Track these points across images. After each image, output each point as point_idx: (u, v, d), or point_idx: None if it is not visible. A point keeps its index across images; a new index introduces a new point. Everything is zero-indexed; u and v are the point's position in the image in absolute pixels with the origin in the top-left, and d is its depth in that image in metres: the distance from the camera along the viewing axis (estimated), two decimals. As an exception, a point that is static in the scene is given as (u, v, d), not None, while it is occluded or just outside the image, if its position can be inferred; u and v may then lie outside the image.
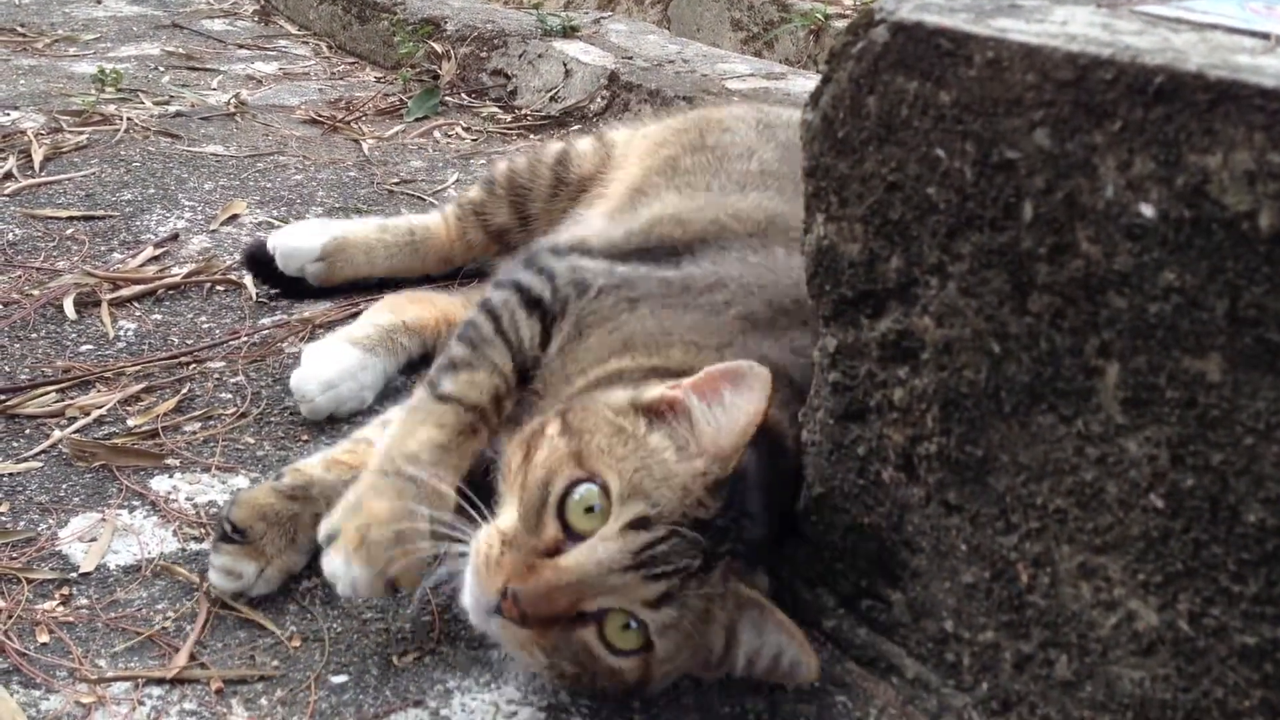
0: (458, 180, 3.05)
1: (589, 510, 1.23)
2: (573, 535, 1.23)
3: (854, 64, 1.23)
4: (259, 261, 2.27)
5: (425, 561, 1.37)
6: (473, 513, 1.32)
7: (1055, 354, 1.12)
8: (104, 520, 1.61)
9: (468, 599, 1.27)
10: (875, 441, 1.33)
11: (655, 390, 1.33)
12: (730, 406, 1.27)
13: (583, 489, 1.24)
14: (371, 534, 1.34)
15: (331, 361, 1.91)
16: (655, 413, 1.31)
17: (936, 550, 1.29)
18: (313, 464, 1.58)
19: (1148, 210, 1.02)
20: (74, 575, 1.51)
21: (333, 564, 1.35)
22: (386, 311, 2.05)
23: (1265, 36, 1.08)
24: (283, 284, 2.29)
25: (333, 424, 1.89)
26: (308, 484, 1.53)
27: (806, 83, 3.45)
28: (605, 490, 1.24)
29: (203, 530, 1.61)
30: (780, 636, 1.28)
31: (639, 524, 1.21)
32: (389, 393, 1.98)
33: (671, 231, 1.75)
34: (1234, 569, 1.04)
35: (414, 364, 2.04)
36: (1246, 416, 1.00)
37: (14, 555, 1.53)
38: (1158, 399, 1.05)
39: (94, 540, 1.57)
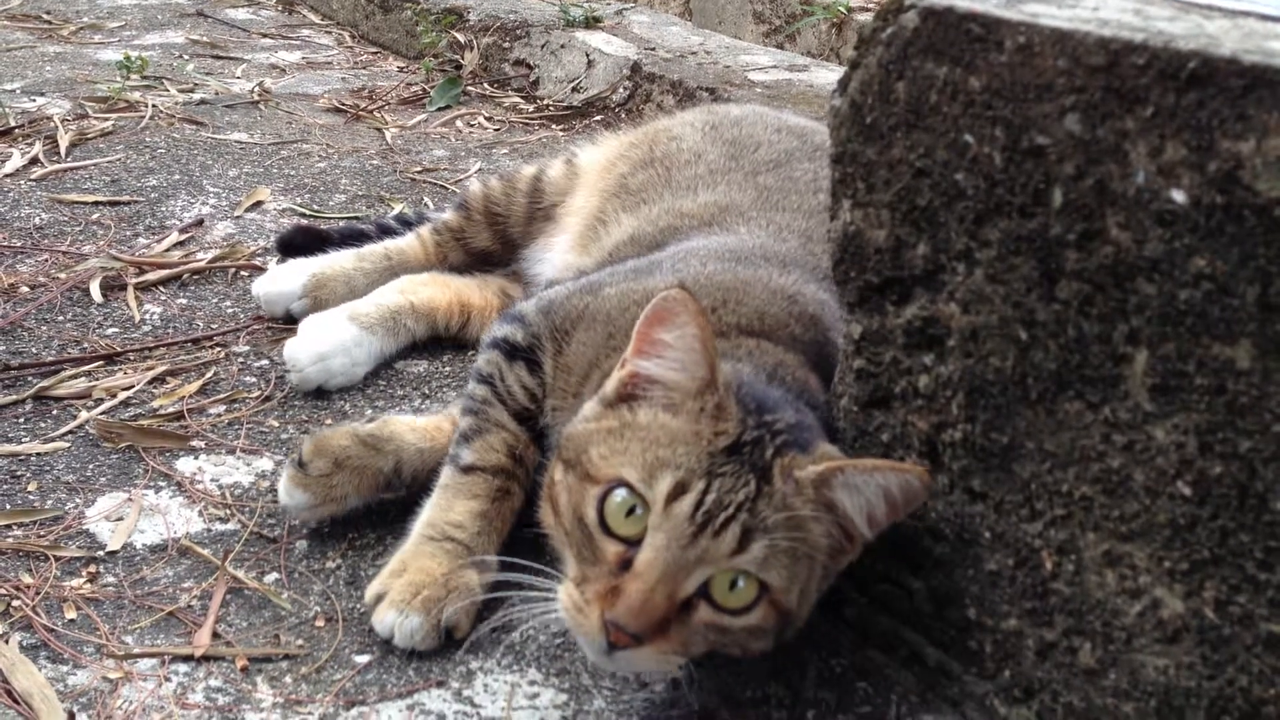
0: (480, 169, 3.06)
1: (630, 513, 1.23)
2: (632, 543, 1.23)
3: (883, 49, 1.23)
4: (291, 247, 2.31)
5: (478, 607, 1.41)
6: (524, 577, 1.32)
7: (1083, 341, 1.12)
8: (130, 500, 1.62)
9: (589, 656, 1.27)
10: (899, 429, 1.33)
11: (611, 381, 1.34)
12: (676, 342, 1.26)
13: (613, 499, 1.24)
14: (424, 591, 1.37)
15: (327, 335, 1.94)
16: (629, 397, 1.32)
17: (960, 538, 1.29)
18: (401, 421, 1.62)
19: (1179, 196, 1.01)
20: (101, 553, 1.52)
21: (385, 619, 1.38)
22: (395, 293, 2.07)
23: (1299, 23, 1.07)
24: None
25: (323, 397, 1.92)
26: (389, 438, 1.58)
27: (829, 75, 3.44)
28: (629, 485, 1.24)
29: (227, 511, 1.62)
30: (875, 476, 1.24)
31: (677, 492, 1.21)
32: (420, 378, 1.99)
33: (631, 251, 1.79)
34: (1261, 556, 1.03)
35: (418, 345, 2.09)
36: (1276, 403, 0.99)
37: (42, 533, 1.55)
38: (1186, 386, 1.05)
39: (120, 519, 1.58)
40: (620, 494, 1.24)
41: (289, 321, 2.12)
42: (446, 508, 1.48)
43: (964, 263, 1.21)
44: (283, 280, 2.14)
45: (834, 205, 1.35)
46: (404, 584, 1.39)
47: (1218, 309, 1.01)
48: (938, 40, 1.18)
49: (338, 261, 2.17)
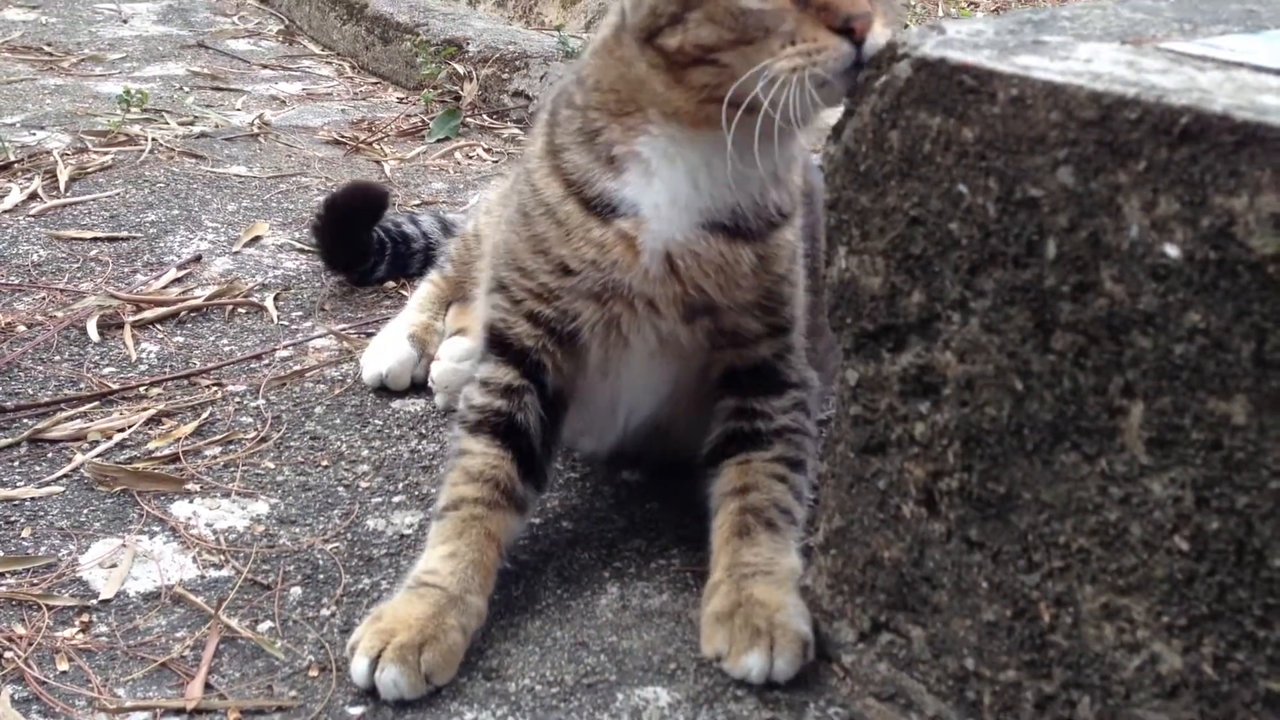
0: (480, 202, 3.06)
1: None
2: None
3: (877, 98, 1.23)
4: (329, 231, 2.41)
5: (458, 655, 1.40)
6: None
7: (1079, 393, 1.11)
8: (124, 546, 1.62)
9: (835, 91, 1.34)
10: (896, 476, 1.32)
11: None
12: None
13: None
14: (398, 637, 1.37)
15: None
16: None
17: (957, 587, 1.28)
18: None
19: (1173, 251, 1.01)
20: (94, 602, 1.51)
21: (357, 666, 1.37)
22: None
23: (1292, 75, 1.07)
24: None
25: (318, 438, 1.90)
26: None
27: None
28: None
29: (222, 557, 1.61)
30: None
31: None
32: (417, 418, 1.98)
33: None
34: (1259, 613, 1.02)
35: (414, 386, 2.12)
36: (1272, 460, 0.99)
37: (35, 581, 1.54)
38: (1182, 440, 1.04)
39: (114, 566, 1.57)
40: None
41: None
42: (424, 559, 1.49)
43: (959, 312, 1.20)
44: (392, 352, 2.11)
45: (829, 251, 1.35)
46: (376, 631, 1.38)
47: (1213, 364, 1.01)
48: (931, 91, 1.17)
49: (413, 318, 2.18)
